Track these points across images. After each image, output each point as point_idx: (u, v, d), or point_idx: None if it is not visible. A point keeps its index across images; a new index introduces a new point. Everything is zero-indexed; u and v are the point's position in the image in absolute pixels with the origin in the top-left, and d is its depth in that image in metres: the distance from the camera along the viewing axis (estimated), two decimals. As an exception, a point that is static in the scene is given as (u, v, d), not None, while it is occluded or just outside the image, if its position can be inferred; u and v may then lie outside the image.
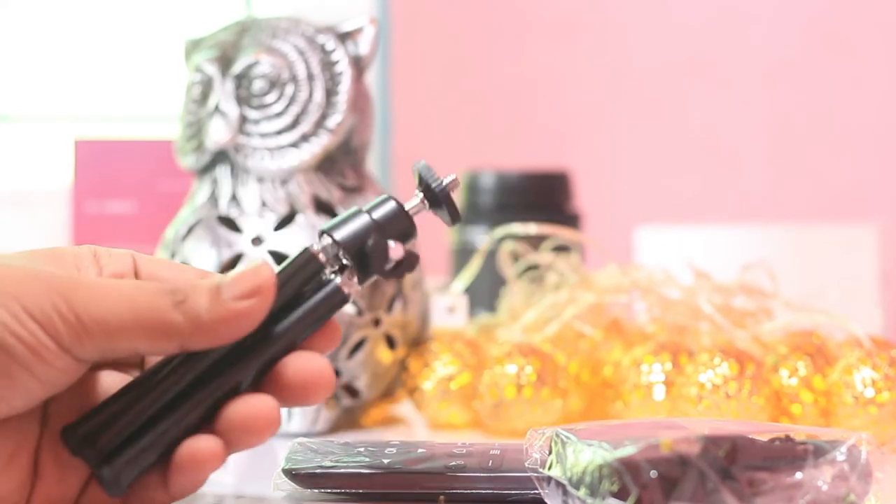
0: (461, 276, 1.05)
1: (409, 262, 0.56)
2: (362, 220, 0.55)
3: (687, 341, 0.80)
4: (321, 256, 0.55)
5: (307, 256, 0.55)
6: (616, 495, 0.48)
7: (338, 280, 0.55)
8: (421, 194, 0.57)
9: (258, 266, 0.51)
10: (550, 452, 0.55)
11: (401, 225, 0.56)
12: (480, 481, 0.59)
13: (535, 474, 0.55)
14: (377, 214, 0.56)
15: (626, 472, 0.48)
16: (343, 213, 0.56)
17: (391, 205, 0.56)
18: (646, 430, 0.53)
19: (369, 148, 0.85)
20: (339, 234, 0.55)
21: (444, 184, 0.57)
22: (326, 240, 0.55)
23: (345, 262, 0.55)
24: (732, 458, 0.50)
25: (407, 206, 0.57)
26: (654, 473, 0.48)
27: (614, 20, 2.12)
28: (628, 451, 0.49)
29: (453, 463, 0.60)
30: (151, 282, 0.50)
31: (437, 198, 0.57)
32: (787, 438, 0.52)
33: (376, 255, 0.55)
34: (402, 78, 2.15)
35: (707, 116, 2.10)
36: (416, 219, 0.57)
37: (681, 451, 0.49)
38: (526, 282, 0.98)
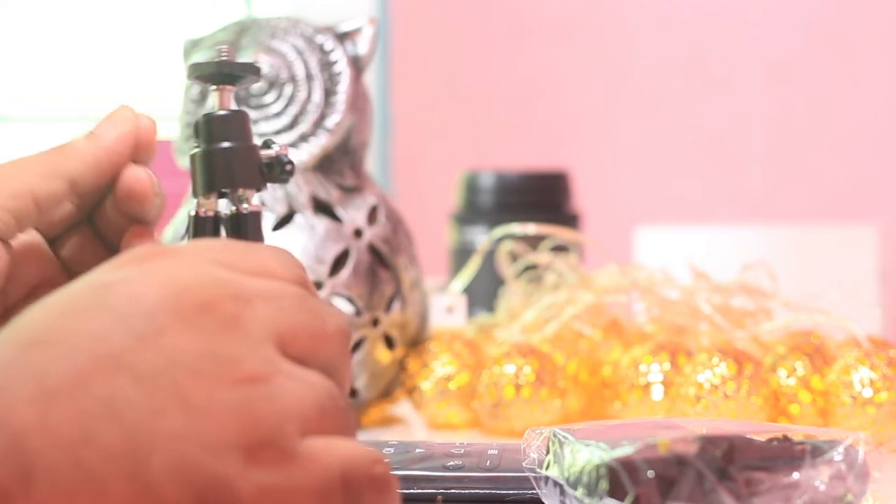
0: (460, 276, 1.05)
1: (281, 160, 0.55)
2: (227, 155, 0.54)
3: (686, 341, 0.80)
4: (247, 208, 0.54)
5: (249, 217, 0.54)
6: (613, 495, 0.48)
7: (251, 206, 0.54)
8: (213, 87, 0.54)
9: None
10: (548, 452, 0.55)
11: (241, 123, 0.54)
12: (478, 481, 0.59)
13: (533, 474, 0.55)
14: (224, 141, 0.54)
15: (623, 472, 0.48)
16: (198, 169, 0.54)
17: (218, 119, 0.54)
18: (644, 430, 0.53)
19: (368, 148, 0.85)
20: (232, 180, 0.54)
21: (218, 58, 0.55)
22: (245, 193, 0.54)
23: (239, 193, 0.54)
24: (730, 458, 0.49)
25: (219, 111, 0.54)
26: (651, 473, 0.48)
27: (614, 20, 2.12)
28: (626, 451, 0.49)
29: (451, 463, 0.60)
30: None
31: (223, 73, 0.54)
32: (785, 438, 0.52)
33: (270, 165, 0.54)
34: (402, 78, 2.15)
35: (707, 116, 2.10)
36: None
37: (678, 451, 0.49)
38: (525, 282, 0.98)
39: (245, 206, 0.53)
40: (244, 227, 0.53)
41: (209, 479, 0.36)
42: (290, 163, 0.54)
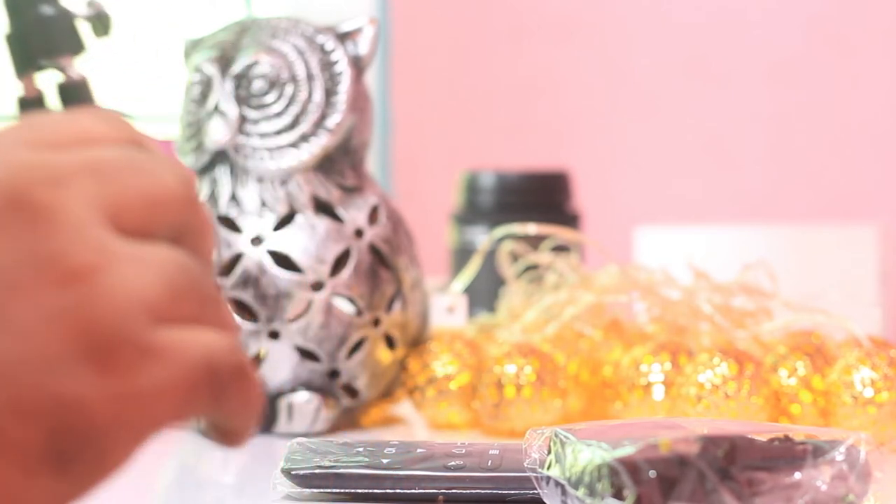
0: (461, 276, 1.05)
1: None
2: (39, 24, 0.52)
3: (686, 341, 0.80)
4: (74, 77, 0.52)
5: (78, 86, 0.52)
6: (615, 495, 0.48)
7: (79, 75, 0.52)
8: None
9: None
10: (549, 452, 0.55)
11: None
12: (479, 481, 0.59)
13: (534, 474, 0.55)
14: (32, 11, 0.52)
15: (624, 472, 0.48)
16: (13, 49, 0.52)
17: None
18: (645, 429, 0.53)
19: (369, 148, 0.85)
20: (50, 49, 0.52)
21: None
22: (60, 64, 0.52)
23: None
24: (731, 459, 0.50)
25: None
26: (652, 473, 0.48)
27: (614, 20, 2.12)
28: (627, 450, 0.49)
29: (452, 463, 0.60)
30: None
31: None
32: (786, 438, 0.52)
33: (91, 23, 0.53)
34: (402, 78, 2.15)
35: (707, 116, 2.10)
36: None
37: (679, 451, 0.49)
38: (525, 282, 0.98)
39: (71, 74, 0.51)
40: (74, 97, 0.51)
41: (57, 404, 0.31)
42: (107, 15, 0.53)
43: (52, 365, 0.31)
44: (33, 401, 0.31)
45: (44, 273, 0.32)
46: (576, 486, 0.51)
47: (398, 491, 0.60)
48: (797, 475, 0.50)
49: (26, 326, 0.31)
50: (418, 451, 0.62)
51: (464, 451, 0.61)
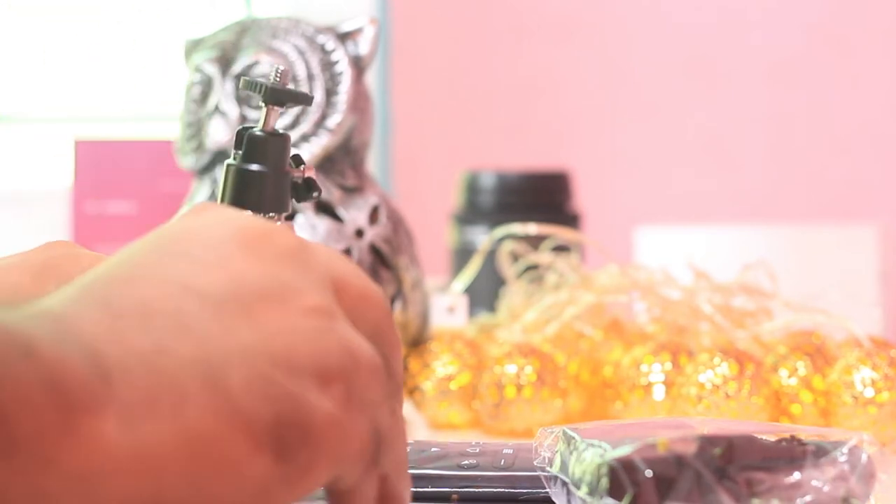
0: (461, 276, 1.05)
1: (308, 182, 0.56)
2: (260, 180, 0.55)
3: (687, 341, 0.80)
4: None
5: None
6: (613, 495, 0.48)
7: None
8: (263, 105, 0.56)
9: None
10: (556, 451, 0.55)
11: (281, 147, 0.55)
12: (493, 480, 0.60)
13: (543, 473, 0.55)
14: (260, 162, 0.55)
15: (622, 472, 0.48)
16: (230, 183, 0.55)
17: (260, 139, 0.55)
18: (651, 429, 0.53)
19: (369, 148, 0.85)
20: (261, 205, 0.55)
21: (274, 78, 0.55)
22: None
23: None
24: (729, 458, 0.49)
25: (262, 131, 0.55)
26: (649, 473, 0.48)
27: (614, 20, 2.12)
28: (625, 450, 0.49)
29: (466, 462, 0.60)
30: None
31: (276, 95, 0.55)
32: (793, 439, 0.52)
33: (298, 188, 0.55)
34: (402, 78, 2.15)
35: (707, 116, 2.10)
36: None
37: (677, 450, 0.49)
38: (526, 282, 0.98)
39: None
40: None
41: (287, 396, 0.36)
42: (318, 190, 0.56)
43: (287, 366, 0.36)
44: (269, 386, 0.36)
45: (289, 297, 0.38)
46: (578, 485, 0.51)
47: (411, 489, 0.60)
48: (797, 475, 0.50)
49: (271, 330, 0.37)
50: (432, 450, 0.62)
51: (477, 451, 0.61)
